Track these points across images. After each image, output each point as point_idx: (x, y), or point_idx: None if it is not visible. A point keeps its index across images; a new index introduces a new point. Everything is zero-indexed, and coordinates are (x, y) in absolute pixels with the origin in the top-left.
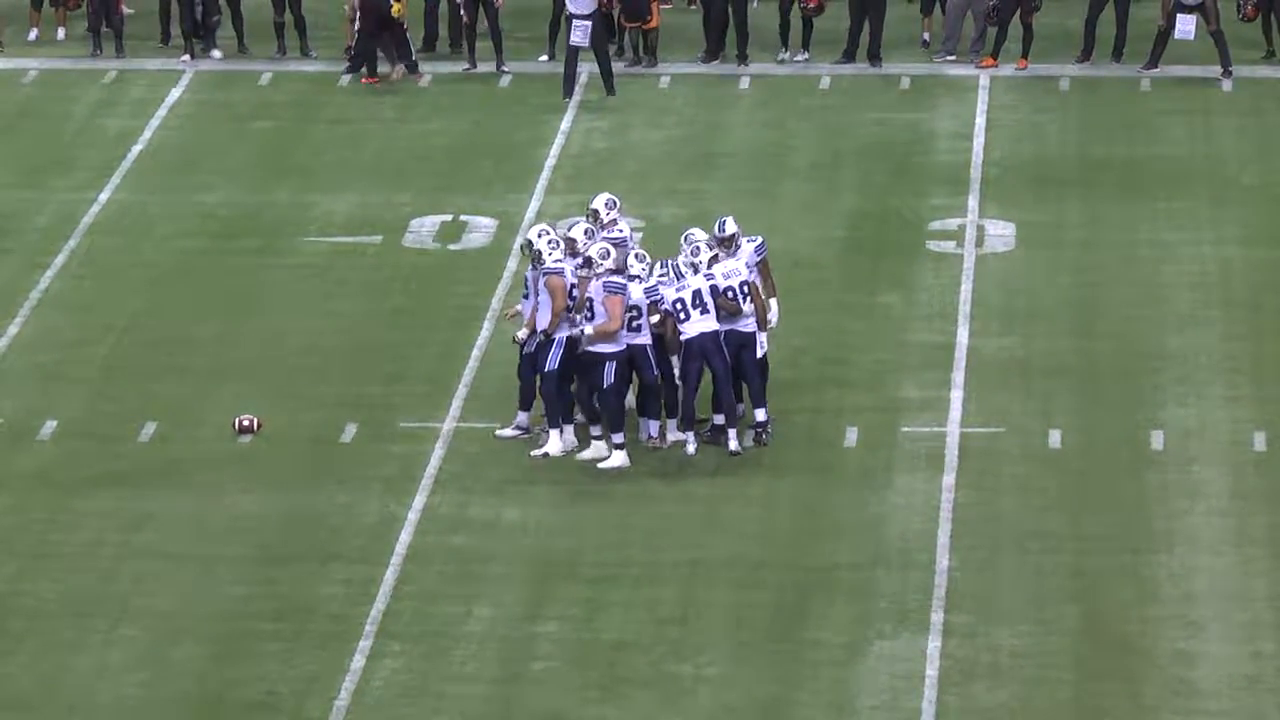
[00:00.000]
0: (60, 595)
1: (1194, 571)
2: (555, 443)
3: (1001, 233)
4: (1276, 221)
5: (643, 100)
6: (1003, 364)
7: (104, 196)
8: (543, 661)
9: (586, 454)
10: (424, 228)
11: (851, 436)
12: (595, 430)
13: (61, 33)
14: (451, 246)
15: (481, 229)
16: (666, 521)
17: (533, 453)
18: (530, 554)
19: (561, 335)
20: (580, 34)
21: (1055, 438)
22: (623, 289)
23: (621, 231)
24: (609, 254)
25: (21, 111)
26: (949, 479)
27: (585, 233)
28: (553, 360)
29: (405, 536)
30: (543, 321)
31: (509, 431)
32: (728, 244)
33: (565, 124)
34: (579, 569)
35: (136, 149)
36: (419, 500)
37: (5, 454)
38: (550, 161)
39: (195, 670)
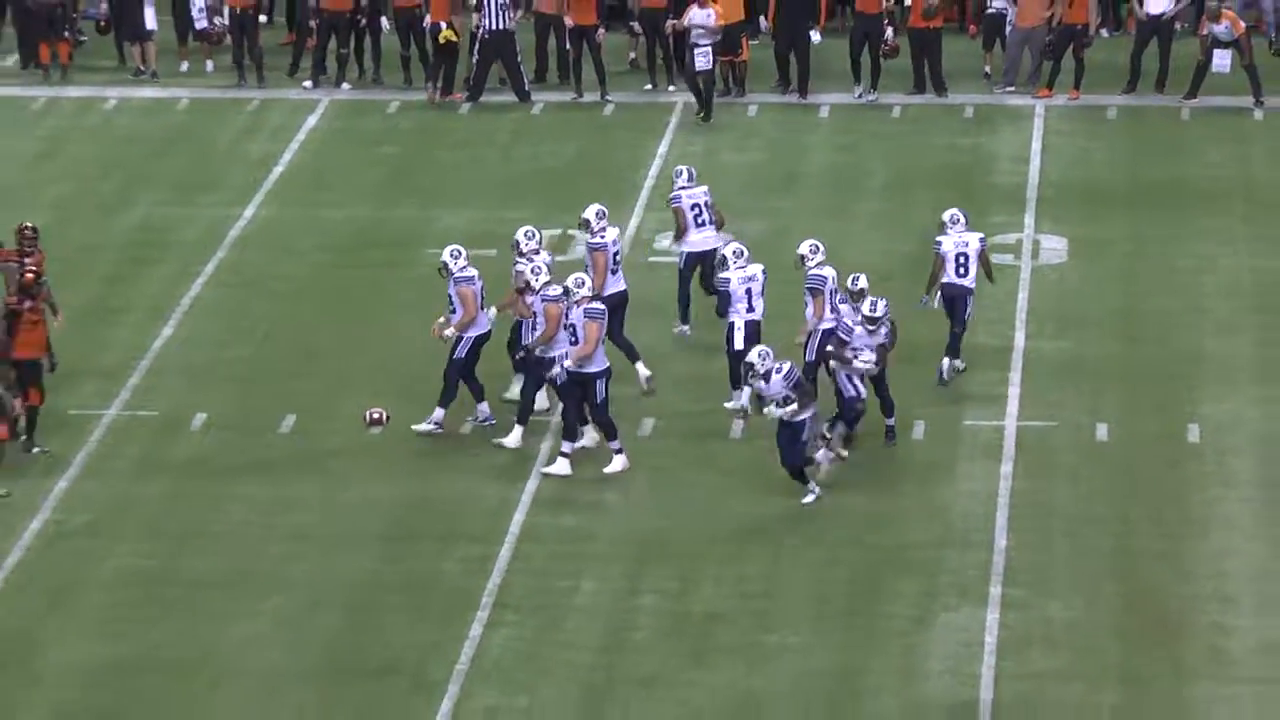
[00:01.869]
0: (211, 570)
1: (1227, 552)
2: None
3: (1055, 246)
4: None
5: (732, 126)
6: (1056, 364)
7: (248, 213)
8: (641, 631)
9: (609, 468)
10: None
11: (919, 430)
12: (615, 445)
13: (210, 65)
14: (559, 258)
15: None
16: (751, 506)
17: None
18: (629, 534)
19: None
20: (704, 59)
21: (1103, 431)
22: (601, 315)
23: (604, 238)
24: (584, 283)
25: (175, 136)
26: (1006, 468)
27: (596, 213)
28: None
29: (519, 517)
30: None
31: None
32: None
33: (662, 148)
34: (672, 548)
35: (277, 170)
36: (530, 485)
37: (161, 444)
38: (649, 181)
39: (330, 637)
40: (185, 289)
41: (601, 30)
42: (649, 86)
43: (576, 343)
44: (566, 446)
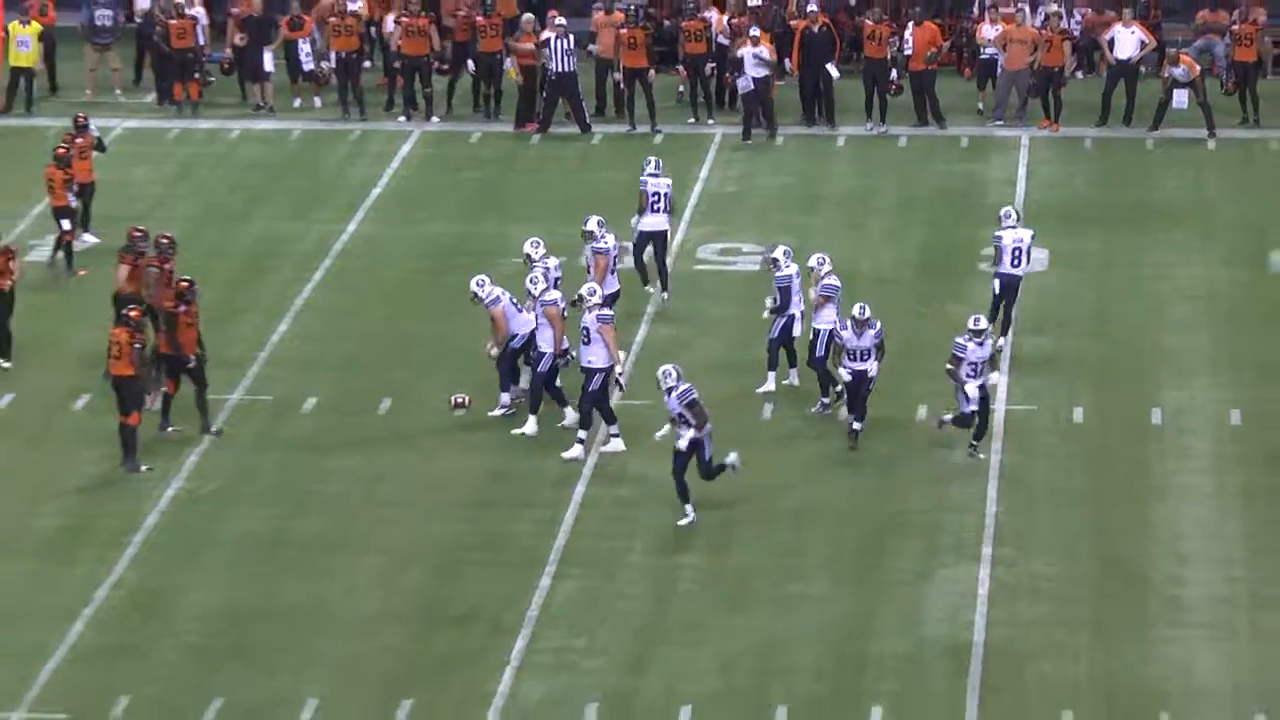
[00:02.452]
0: (318, 531)
1: (1183, 517)
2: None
3: (1038, 257)
4: (1249, 250)
5: (764, 153)
6: (1038, 358)
7: (351, 228)
8: (684, 584)
9: (608, 448)
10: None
11: (921, 412)
12: (614, 429)
13: (318, 101)
14: (616, 265)
15: None
16: (780, 477)
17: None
18: (673, 503)
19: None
20: (745, 81)
21: (1078, 414)
22: (612, 319)
23: (607, 244)
24: (595, 292)
25: (289, 162)
26: (996, 444)
27: (598, 223)
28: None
29: (580, 488)
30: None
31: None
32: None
33: (704, 172)
34: (713, 514)
35: (375, 191)
36: (591, 460)
37: (276, 424)
38: (693, 200)
39: (420, 590)
40: (298, 292)
41: (652, 71)
42: (692, 120)
43: (588, 343)
44: (614, 429)
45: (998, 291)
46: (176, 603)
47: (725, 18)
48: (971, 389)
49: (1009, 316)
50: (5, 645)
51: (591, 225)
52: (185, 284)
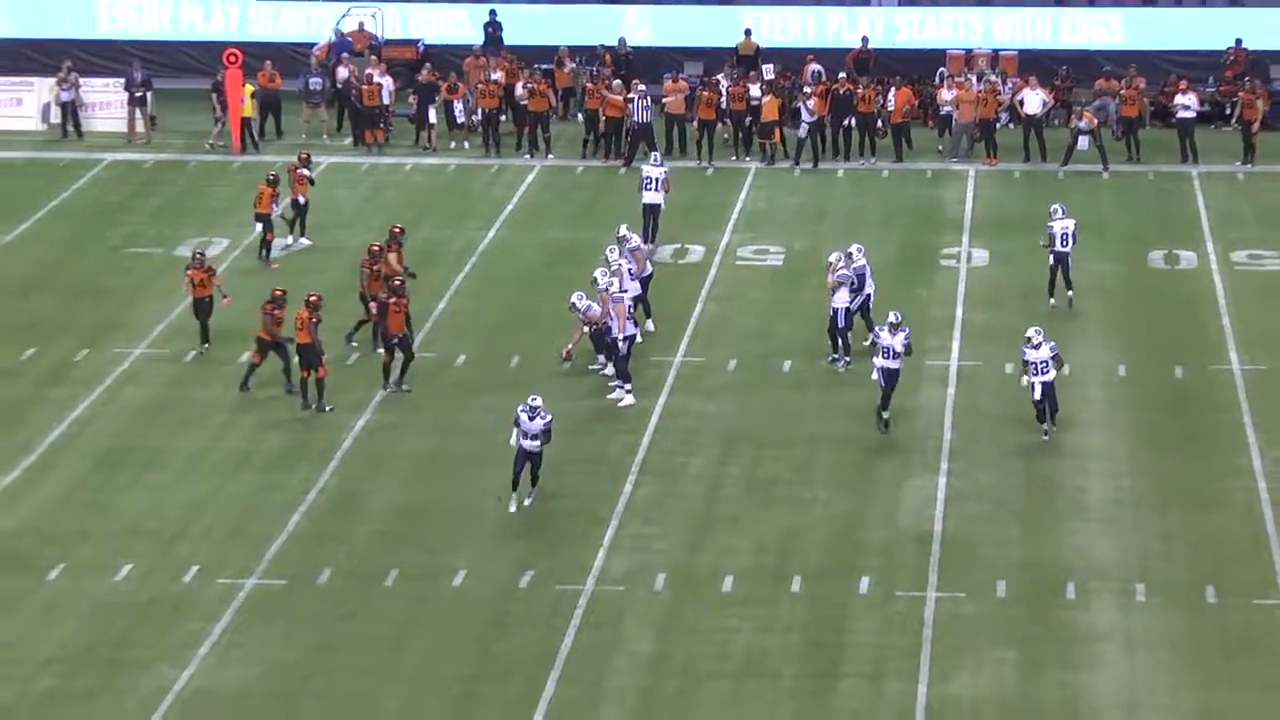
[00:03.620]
0: (468, 450)
1: (1086, 441)
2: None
3: (981, 256)
4: (1132, 252)
5: (784, 181)
6: (981, 327)
7: (490, 234)
8: (729, 489)
9: (624, 402)
10: (665, 251)
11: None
12: (627, 385)
13: (467, 144)
14: (680, 261)
15: (696, 252)
16: (798, 410)
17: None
18: (722, 431)
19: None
20: (802, 128)
21: (1009, 368)
22: (621, 299)
23: (636, 242)
24: (606, 274)
25: (447, 187)
26: (951, 390)
27: (626, 228)
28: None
29: (653, 420)
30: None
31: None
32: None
33: (742, 194)
34: (749, 440)
35: (508, 208)
36: (661, 399)
37: (437, 374)
38: (734, 215)
39: (539, 491)
40: (453, 280)
41: (720, 124)
42: (734, 158)
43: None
44: (629, 385)
45: (1053, 263)
46: (365, 502)
47: (756, 85)
48: (1036, 386)
49: (1068, 280)
50: (244, 532)
51: (623, 230)
52: (399, 282)
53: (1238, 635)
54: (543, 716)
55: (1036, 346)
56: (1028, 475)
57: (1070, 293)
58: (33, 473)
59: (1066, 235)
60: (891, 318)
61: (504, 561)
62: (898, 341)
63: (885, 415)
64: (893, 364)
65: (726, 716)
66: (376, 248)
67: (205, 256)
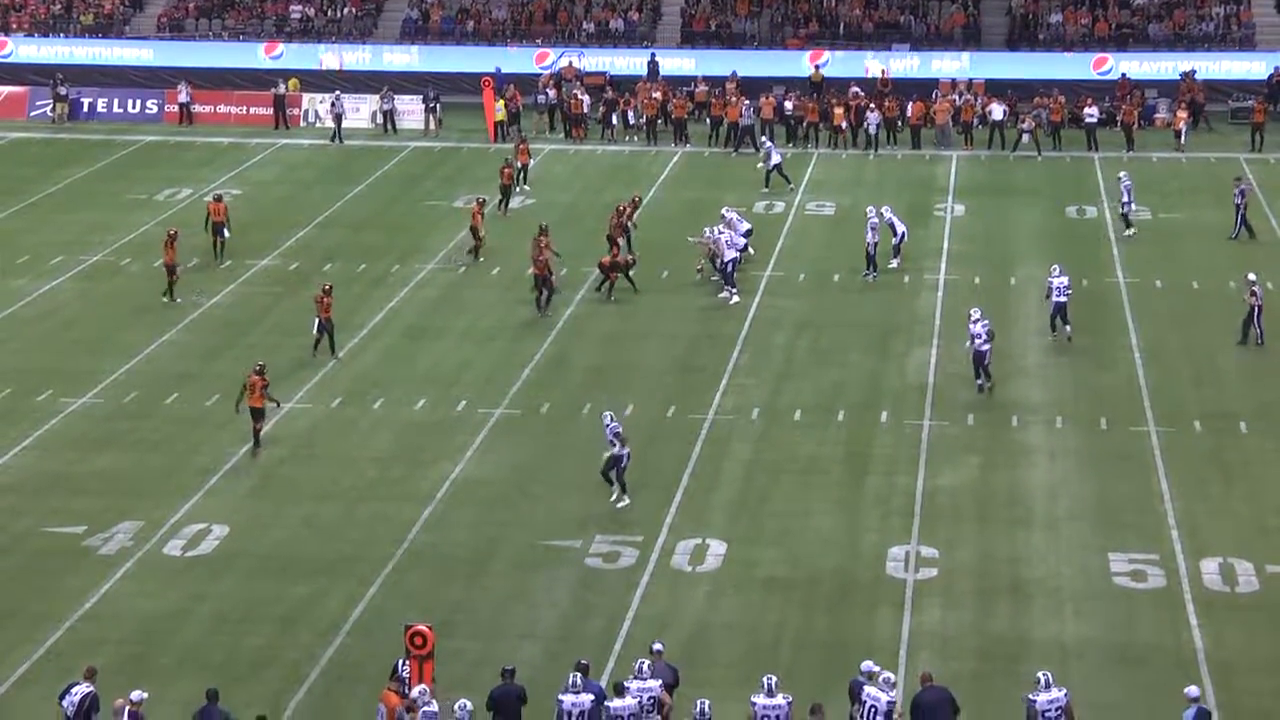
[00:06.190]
0: (639, 329)
1: (1028, 397)
2: None
3: (961, 208)
4: (1055, 207)
5: (833, 163)
6: (959, 255)
7: (650, 194)
8: (799, 355)
9: (732, 300)
10: (760, 206)
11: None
12: (735, 289)
13: (636, 138)
14: (769, 213)
15: (779, 207)
16: (842, 305)
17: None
18: (795, 319)
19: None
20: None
21: (977, 279)
22: (718, 239)
23: (732, 217)
24: (714, 228)
25: (625, 165)
26: (940, 294)
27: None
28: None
29: (751, 311)
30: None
31: None
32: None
33: (809, 169)
34: (812, 325)
35: (660, 177)
36: (757, 298)
37: (591, 317)
38: (803, 182)
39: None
40: (630, 224)
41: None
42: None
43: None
44: (736, 289)
45: (1052, 311)
46: (571, 361)
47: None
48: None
49: (1066, 320)
50: (494, 379)
51: (725, 210)
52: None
53: (1118, 451)
54: (680, 494)
55: (975, 322)
56: (988, 426)
57: (1068, 328)
58: (364, 340)
59: (1063, 288)
60: (976, 313)
61: (658, 400)
62: (979, 327)
63: (979, 381)
64: (984, 348)
65: (796, 498)
66: (624, 206)
67: (485, 203)
